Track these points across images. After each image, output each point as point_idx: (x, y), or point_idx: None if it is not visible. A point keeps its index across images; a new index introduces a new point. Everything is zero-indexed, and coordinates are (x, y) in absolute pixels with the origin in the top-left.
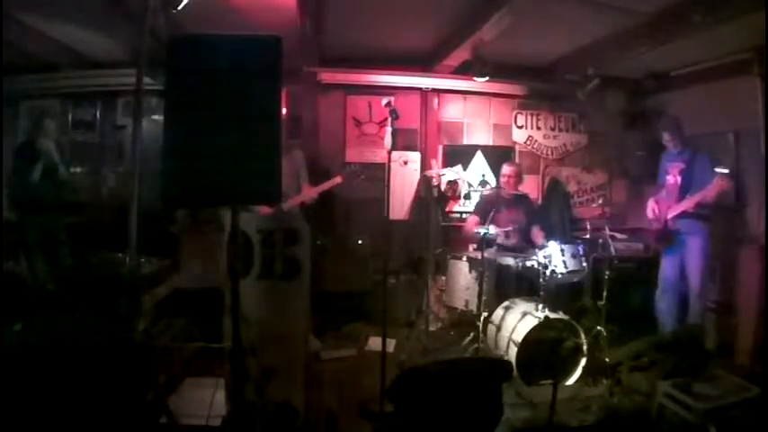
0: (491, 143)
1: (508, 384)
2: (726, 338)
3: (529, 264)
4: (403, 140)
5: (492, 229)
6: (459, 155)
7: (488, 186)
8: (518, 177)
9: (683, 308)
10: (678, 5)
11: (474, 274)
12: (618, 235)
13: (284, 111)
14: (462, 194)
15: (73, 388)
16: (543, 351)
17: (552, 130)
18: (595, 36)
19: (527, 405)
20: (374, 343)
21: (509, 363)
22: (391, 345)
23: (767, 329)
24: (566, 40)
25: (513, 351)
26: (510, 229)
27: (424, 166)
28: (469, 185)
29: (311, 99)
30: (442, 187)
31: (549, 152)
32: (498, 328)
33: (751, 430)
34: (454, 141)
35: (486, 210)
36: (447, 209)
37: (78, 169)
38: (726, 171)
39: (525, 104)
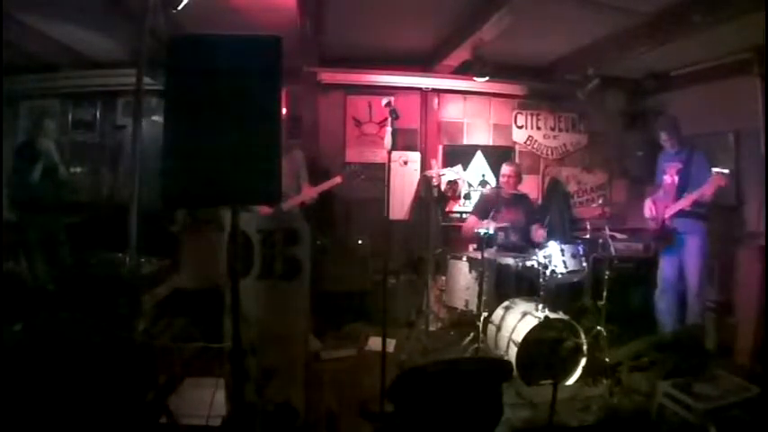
0: (491, 143)
1: (508, 384)
2: (726, 338)
3: (529, 264)
4: (403, 140)
5: (491, 229)
6: (459, 155)
7: (488, 186)
8: (517, 177)
9: (683, 308)
10: (678, 5)
11: (474, 274)
12: (618, 235)
13: (284, 111)
14: (462, 194)
15: (73, 388)
16: (543, 351)
17: (552, 130)
18: (595, 36)
19: (527, 405)
20: (374, 343)
21: (509, 363)
22: (391, 345)
23: (767, 329)
24: (566, 40)
25: (513, 351)
26: (510, 228)
27: (424, 166)
28: (469, 185)
29: (311, 99)
30: (442, 187)
31: (549, 152)
32: (498, 328)
33: (751, 430)
34: (454, 141)
35: (486, 209)
36: (447, 209)
37: (78, 169)
38: (726, 171)
39: (525, 104)
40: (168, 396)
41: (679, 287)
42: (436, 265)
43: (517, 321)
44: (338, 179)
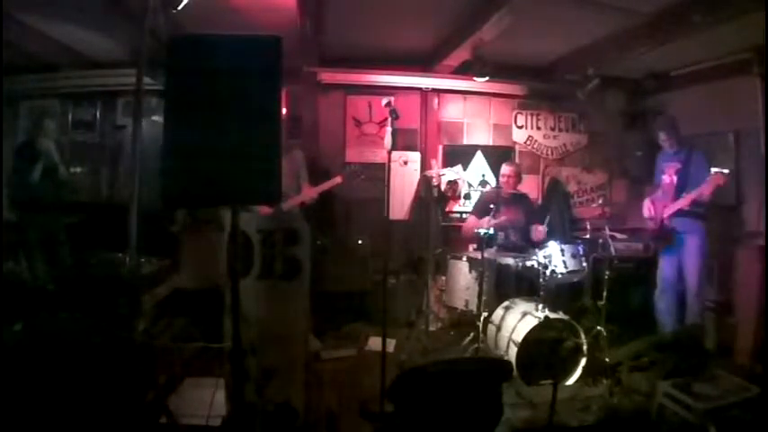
0: (491, 143)
1: (508, 384)
2: (725, 338)
3: (529, 264)
4: (403, 140)
5: (491, 229)
6: (459, 155)
7: (488, 186)
8: (517, 177)
9: (683, 307)
10: (678, 5)
11: (474, 274)
12: (618, 235)
13: (284, 111)
14: (462, 194)
15: (73, 388)
16: (543, 351)
17: (552, 130)
18: (595, 36)
19: (527, 405)
20: (374, 343)
21: (509, 363)
22: (391, 345)
23: (767, 329)
24: (566, 40)
25: (513, 351)
26: (509, 228)
27: (424, 166)
28: (469, 185)
29: (311, 99)
30: (442, 187)
31: (549, 152)
32: (498, 328)
33: (751, 430)
34: (454, 141)
35: (486, 209)
36: (447, 209)
37: (78, 169)
38: (726, 171)
39: (525, 104)
40: (168, 396)
41: (678, 287)
42: (436, 265)
43: (517, 321)
44: (338, 179)
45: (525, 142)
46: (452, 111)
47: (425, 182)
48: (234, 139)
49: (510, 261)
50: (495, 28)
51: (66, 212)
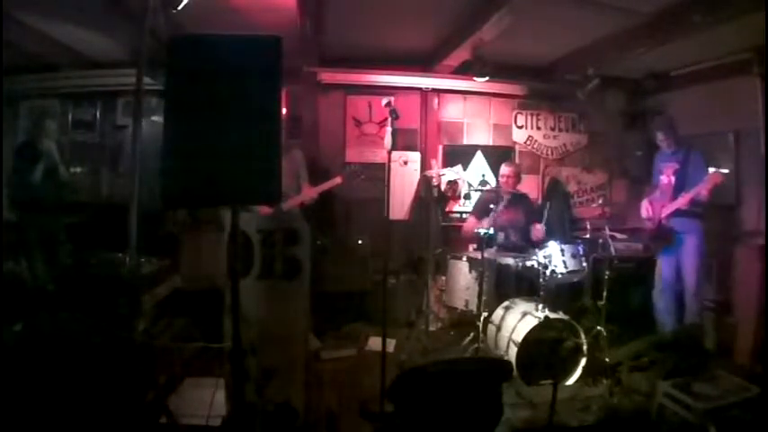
0: (491, 143)
1: (508, 384)
2: (725, 338)
3: (529, 264)
4: (403, 140)
5: (491, 229)
6: (459, 155)
7: (488, 186)
8: (517, 177)
9: (682, 307)
10: (678, 5)
11: (474, 274)
12: (618, 235)
13: (284, 111)
14: (462, 194)
15: (73, 388)
16: (543, 351)
17: (552, 130)
18: (595, 36)
19: (527, 405)
20: (374, 343)
21: (509, 363)
22: (391, 345)
23: (767, 329)
24: (566, 40)
25: (513, 351)
26: (509, 228)
27: (424, 166)
28: (469, 185)
29: (311, 99)
30: (442, 187)
31: (549, 152)
32: (498, 328)
33: (751, 430)
34: (454, 141)
35: (485, 209)
36: (447, 209)
37: (78, 169)
38: (723, 171)
39: (525, 104)
40: (168, 396)
41: (677, 287)
42: (436, 265)
43: (517, 321)
44: (338, 179)
45: (525, 142)
46: (452, 111)
47: (425, 182)
48: (234, 139)
49: (510, 261)
50: (495, 28)
51: (66, 212)
